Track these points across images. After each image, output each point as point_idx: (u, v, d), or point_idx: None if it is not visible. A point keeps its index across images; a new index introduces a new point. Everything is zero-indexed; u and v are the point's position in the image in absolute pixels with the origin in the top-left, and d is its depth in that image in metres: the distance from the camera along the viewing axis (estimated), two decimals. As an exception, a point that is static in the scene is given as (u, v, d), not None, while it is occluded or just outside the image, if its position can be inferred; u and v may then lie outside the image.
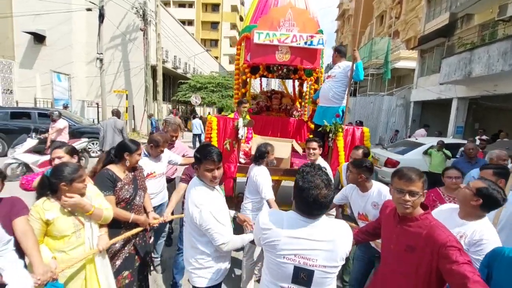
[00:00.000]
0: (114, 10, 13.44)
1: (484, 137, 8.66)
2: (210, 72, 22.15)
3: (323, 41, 3.73)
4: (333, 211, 2.77)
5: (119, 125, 6.04)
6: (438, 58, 12.85)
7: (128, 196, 2.06)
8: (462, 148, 6.43)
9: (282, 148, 3.17)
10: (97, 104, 13.05)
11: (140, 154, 2.20)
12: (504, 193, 1.60)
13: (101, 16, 11.32)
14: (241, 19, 47.62)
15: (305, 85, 5.16)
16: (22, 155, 6.03)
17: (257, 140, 3.75)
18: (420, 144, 7.29)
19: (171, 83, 19.57)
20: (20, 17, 13.43)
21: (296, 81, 5.47)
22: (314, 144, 2.77)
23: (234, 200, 3.80)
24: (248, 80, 4.40)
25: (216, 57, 39.23)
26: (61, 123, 6.52)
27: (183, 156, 3.50)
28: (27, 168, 6.15)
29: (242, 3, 46.63)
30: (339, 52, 3.64)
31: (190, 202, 1.62)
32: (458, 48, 10.76)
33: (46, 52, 13.93)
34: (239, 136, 3.02)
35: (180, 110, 21.09)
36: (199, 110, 24.61)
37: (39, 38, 13.76)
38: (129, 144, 2.13)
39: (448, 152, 6.38)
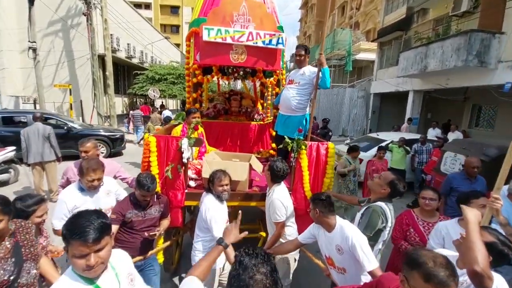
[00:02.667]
0: (50, -10, 11.58)
1: (437, 130, 9.11)
2: (170, 61, 20.67)
3: (283, 40, 3.29)
4: (296, 252, 2.41)
5: (46, 131, 5.01)
6: (396, 51, 13.23)
7: (5, 278, 1.40)
8: (415, 145, 6.59)
9: (238, 169, 2.71)
10: (34, 100, 11.34)
11: (41, 215, 1.62)
12: None
13: (30, -2, 9.59)
14: (203, 4, 45.18)
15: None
16: None
17: (212, 155, 3.25)
18: (382, 140, 7.37)
19: (125, 74, 17.86)
20: None
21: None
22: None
23: (188, 225, 3.31)
24: (202, 82, 3.84)
25: (178, 45, 36.93)
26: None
27: (115, 177, 2.86)
28: None
29: (204, -13, 44.12)
30: (308, 53, 3.21)
31: None
32: (415, 43, 11.09)
33: (-35, 38, 11.67)
34: (184, 160, 2.49)
35: (138, 103, 19.50)
36: (164, 102, 23.08)
37: (-48, 21, 11.42)
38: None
39: (408, 149, 6.51)
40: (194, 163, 3.07)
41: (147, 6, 38.20)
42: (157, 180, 2.56)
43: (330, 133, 8.68)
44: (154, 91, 13.48)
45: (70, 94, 12.09)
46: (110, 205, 2.36)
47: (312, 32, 32.88)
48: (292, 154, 2.58)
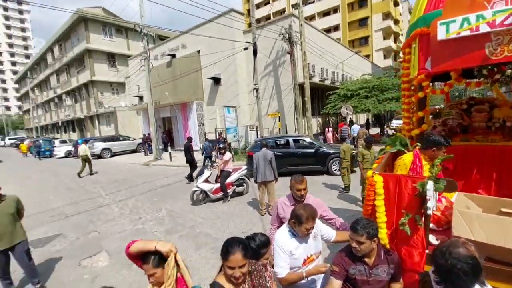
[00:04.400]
0: (266, 42, 14.90)
1: None
2: (362, 75, 20.03)
3: None
4: None
5: (269, 155, 6.08)
6: None
7: None
8: None
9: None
10: (256, 127, 14.74)
11: (267, 257, 1.68)
12: None
13: (255, 51, 12.72)
14: (396, 3, 41.26)
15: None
16: (202, 184, 7.31)
17: (462, 199, 2.24)
18: None
19: (319, 96, 19.30)
20: (205, 68, 17.70)
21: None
22: None
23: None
24: (426, 96, 2.92)
25: (368, 56, 35.72)
26: (227, 156, 7.46)
27: (320, 216, 2.59)
28: (206, 194, 7.41)
29: (395, -14, 40.32)
30: None
31: None
32: None
33: (221, 90, 17.50)
34: (428, 211, 1.77)
35: (330, 122, 20.34)
36: (354, 118, 22.85)
37: (216, 81, 17.53)
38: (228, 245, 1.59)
39: None
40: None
41: (336, 28, 40.36)
42: (384, 230, 2.03)
43: None
44: (347, 109, 13.36)
45: (279, 120, 14.63)
46: (318, 250, 2.18)
47: None
48: None
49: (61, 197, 9.02)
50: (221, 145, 8.02)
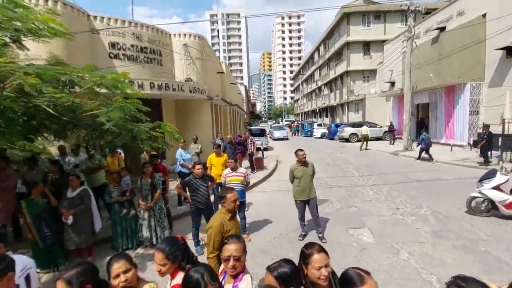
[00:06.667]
0: None
1: None
2: None
3: None
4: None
5: None
6: None
7: None
8: None
9: None
10: None
11: None
12: None
13: None
14: None
15: None
16: (489, 191, 5.46)
17: None
18: None
19: None
20: (493, 37, 12.97)
21: None
22: None
23: None
24: None
25: None
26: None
27: None
28: (492, 205, 5.48)
29: None
30: None
31: None
32: None
33: (520, 64, 12.07)
34: None
35: None
36: None
37: (511, 52, 12.29)
38: None
39: None
40: None
41: None
42: None
43: None
44: None
45: None
46: None
47: None
48: None
49: (323, 169, 10.76)
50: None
